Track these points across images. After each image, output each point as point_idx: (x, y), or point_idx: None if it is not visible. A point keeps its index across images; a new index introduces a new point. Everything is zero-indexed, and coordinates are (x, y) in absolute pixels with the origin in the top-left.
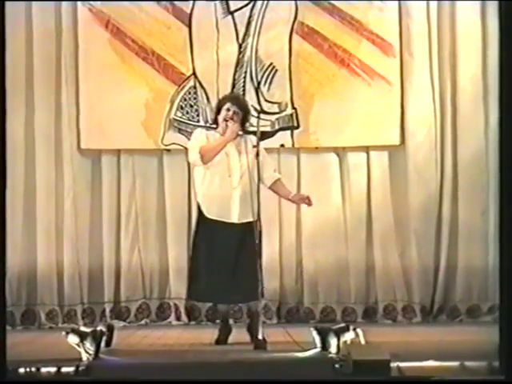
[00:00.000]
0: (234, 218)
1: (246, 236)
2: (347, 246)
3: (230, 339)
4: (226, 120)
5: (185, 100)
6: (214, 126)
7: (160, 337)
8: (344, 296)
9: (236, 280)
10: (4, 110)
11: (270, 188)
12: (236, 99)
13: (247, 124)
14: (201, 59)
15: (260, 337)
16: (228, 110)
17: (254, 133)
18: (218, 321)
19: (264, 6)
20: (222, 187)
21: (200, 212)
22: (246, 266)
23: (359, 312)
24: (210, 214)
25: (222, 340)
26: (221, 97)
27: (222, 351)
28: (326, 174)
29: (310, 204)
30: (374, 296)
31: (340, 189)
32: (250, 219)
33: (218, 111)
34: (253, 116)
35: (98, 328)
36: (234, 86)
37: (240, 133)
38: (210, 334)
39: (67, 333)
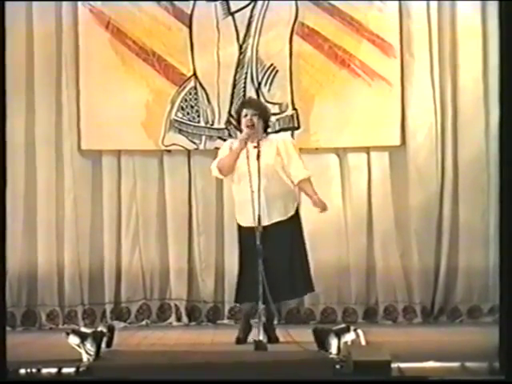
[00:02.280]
0: (264, 221)
1: (278, 235)
2: (348, 247)
3: (231, 340)
4: (247, 127)
5: (185, 101)
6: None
7: (160, 337)
8: (345, 297)
9: (279, 278)
10: (4, 110)
11: (297, 186)
12: (249, 103)
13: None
14: (201, 60)
15: (261, 337)
16: (246, 115)
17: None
18: (219, 321)
19: (264, 7)
20: (246, 193)
21: (237, 222)
22: (289, 263)
23: (360, 313)
24: (242, 221)
25: (242, 339)
26: (236, 107)
27: (222, 352)
28: (327, 174)
29: (323, 210)
30: (375, 297)
31: (340, 189)
32: (279, 218)
33: (239, 121)
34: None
35: (99, 329)
36: (234, 86)
37: (268, 133)
38: (210, 334)
39: (68, 334)
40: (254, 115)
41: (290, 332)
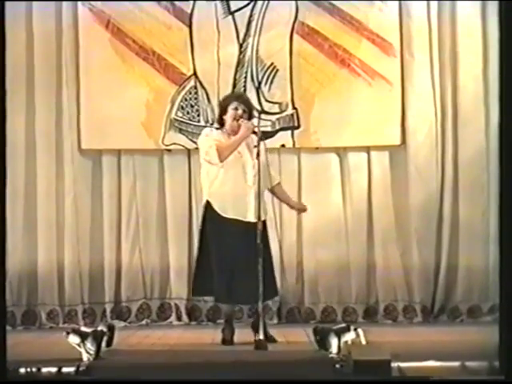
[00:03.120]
0: (251, 216)
1: (263, 234)
2: (348, 246)
3: None
4: (236, 119)
5: (185, 100)
6: (218, 126)
7: (161, 337)
8: (345, 296)
9: (255, 279)
10: (4, 110)
11: (269, 190)
12: (242, 98)
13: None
14: (201, 59)
15: (261, 337)
16: (236, 108)
17: (254, 133)
18: (219, 321)
19: (264, 6)
20: (237, 186)
21: (210, 210)
22: (264, 264)
23: (360, 312)
24: (224, 212)
25: (227, 340)
26: (223, 96)
27: (222, 351)
28: (327, 174)
29: (302, 211)
30: (375, 296)
31: (341, 189)
32: (265, 217)
33: (224, 111)
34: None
35: (99, 328)
36: (234, 86)
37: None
38: (210, 334)
39: (68, 333)
40: (244, 112)
41: (290, 332)
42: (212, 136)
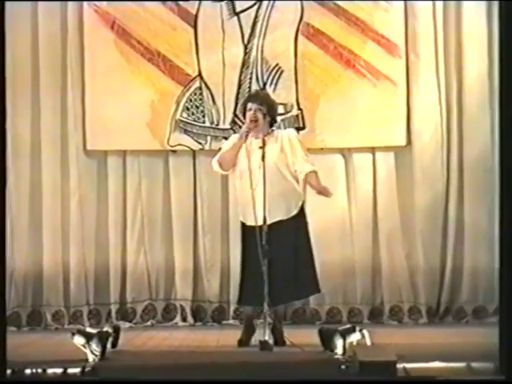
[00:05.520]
0: (260, 220)
1: (280, 235)
2: (353, 247)
3: (236, 340)
4: (251, 121)
5: (190, 101)
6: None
7: (166, 338)
8: (350, 297)
9: (283, 280)
10: (3, 110)
11: (304, 181)
12: (255, 96)
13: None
14: (206, 60)
15: (266, 337)
16: (250, 109)
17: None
18: (225, 322)
19: (269, 7)
20: (244, 190)
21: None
22: (292, 264)
23: (365, 313)
24: (245, 220)
25: (244, 341)
26: (242, 100)
27: (227, 352)
28: (332, 174)
29: (328, 195)
30: (380, 297)
31: (346, 190)
32: (280, 218)
33: (245, 115)
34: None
35: (104, 329)
36: (239, 87)
37: (272, 129)
38: (216, 335)
39: (73, 334)
40: (259, 110)
41: (295, 332)
42: (225, 145)
